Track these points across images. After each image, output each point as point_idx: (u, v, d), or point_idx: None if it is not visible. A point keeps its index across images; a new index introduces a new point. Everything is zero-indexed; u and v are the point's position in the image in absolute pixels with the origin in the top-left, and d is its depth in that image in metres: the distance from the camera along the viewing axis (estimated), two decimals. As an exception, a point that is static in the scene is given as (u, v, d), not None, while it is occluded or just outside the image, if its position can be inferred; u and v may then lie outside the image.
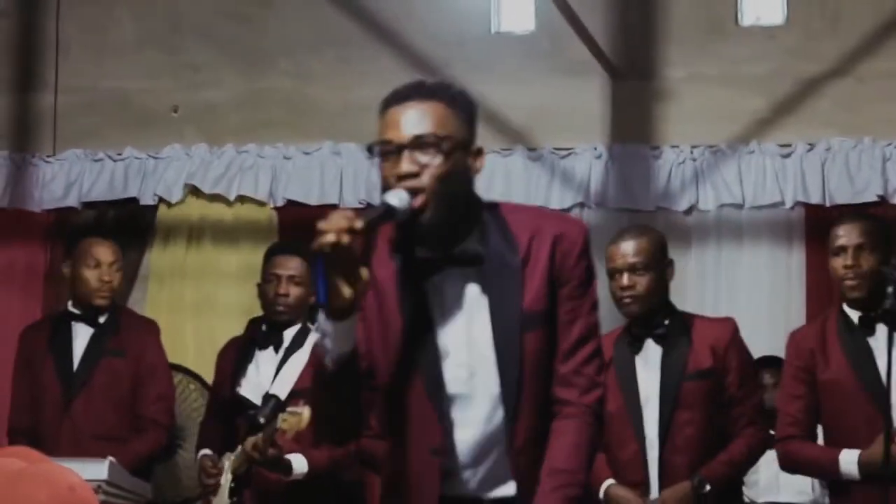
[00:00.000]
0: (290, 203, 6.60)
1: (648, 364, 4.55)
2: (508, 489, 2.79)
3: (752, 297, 6.28)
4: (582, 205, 6.40)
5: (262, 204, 6.65)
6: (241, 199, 6.67)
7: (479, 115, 2.85)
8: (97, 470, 4.55)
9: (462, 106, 2.78)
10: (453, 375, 2.78)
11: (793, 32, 6.38)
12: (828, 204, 6.18)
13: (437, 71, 6.48)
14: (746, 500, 5.24)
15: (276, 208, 6.64)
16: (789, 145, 6.28)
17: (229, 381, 5.16)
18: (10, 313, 6.57)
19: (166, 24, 6.82)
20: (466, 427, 2.78)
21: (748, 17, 6.37)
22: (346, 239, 2.53)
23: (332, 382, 2.68)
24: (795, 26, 6.38)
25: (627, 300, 4.52)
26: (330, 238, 2.52)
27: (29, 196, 6.73)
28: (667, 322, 4.55)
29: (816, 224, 6.14)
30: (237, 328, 6.39)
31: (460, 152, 2.75)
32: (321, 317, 2.65)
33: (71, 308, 5.41)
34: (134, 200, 6.69)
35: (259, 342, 5.18)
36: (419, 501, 2.79)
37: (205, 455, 5.17)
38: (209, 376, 5.97)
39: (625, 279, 4.51)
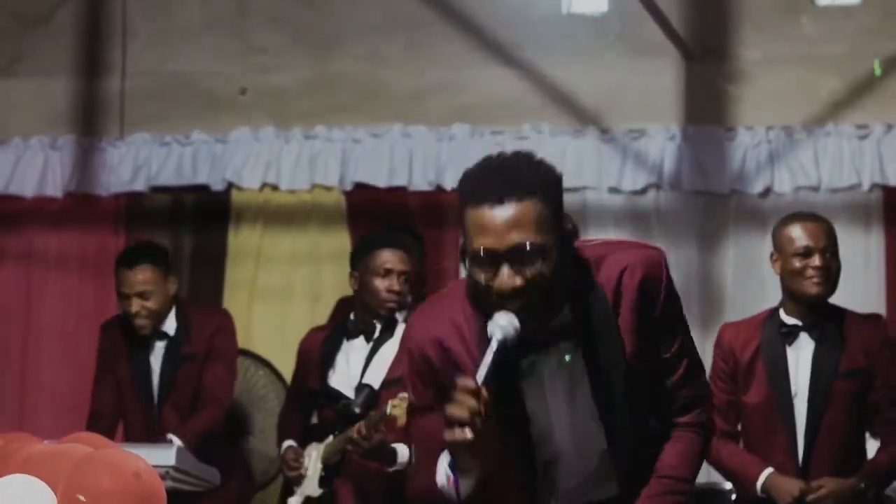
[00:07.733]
0: (358, 186, 6.53)
1: (800, 358, 4.48)
2: None
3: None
4: (656, 186, 6.31)
5: (329, 188, 6.59)
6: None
7: (543, 165, 2.64)
8: (165, 455, 4.50)
9: (552, 190, 2.58)
10: (555, 456, 2.71)
11: (869, 11, 6.26)
12: (906, 186, 6.08)
13: (509, 53, 6.42)
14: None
15: (344, 192, 6.58)
16: (866, 126, 6.18)
17: (316, 373, 5.04)
18: (85, 298, 6.60)
19: (233, 6, 6.74)
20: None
21: (824, -3, 6.27)
22: (479, 424, 2.44)
23: None
24: (872, 5, 6.25)
25: (819, 280, 4.44)
26: (468, 436, 2.44)
27: (96, 180, 6.69)
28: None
29: (895, 207, 6.07)
30: (306, 312, 6.34)
31: (560, 242, 2.57)
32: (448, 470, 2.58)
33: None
34: (204, 187, 6.64)
35: (350, 332, 5.03)
36: None
37: (289, 447, 5.12)
38: (280, 361, 5.93)
39: (817, 260, 4.46)
